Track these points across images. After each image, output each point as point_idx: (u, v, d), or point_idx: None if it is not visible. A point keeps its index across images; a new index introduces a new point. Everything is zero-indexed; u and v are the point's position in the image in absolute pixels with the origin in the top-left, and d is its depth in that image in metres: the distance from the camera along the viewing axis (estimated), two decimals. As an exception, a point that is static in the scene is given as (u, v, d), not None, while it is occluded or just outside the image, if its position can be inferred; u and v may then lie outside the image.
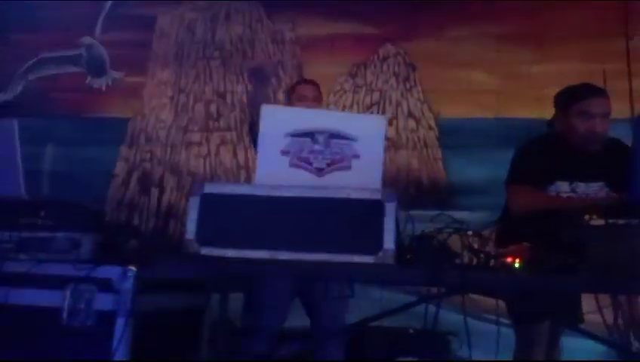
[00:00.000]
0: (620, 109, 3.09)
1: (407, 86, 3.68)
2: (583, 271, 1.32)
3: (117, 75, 3.92)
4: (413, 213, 1.69)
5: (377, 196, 1.43)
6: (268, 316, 2.20)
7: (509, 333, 2.08)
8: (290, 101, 2.52)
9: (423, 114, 3.63)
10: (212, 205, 1.50)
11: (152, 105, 3.86)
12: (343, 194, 1.45)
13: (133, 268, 1.56)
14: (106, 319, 1.55)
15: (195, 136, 3.76)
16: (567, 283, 1.32)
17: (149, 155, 3.78)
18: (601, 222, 1.39)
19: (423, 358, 2.57)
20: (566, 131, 2.01)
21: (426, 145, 3.58)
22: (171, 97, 3.86)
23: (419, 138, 3.60)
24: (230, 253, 1.45)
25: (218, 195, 1.51)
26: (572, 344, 2.34)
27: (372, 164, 1.54)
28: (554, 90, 2.14)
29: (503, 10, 3.53)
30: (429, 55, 3.61)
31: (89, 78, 3.94)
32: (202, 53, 3.90)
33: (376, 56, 3.72)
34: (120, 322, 1.53)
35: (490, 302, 1.98)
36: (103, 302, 1.57)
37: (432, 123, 3.59)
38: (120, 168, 3.78)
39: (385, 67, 3.72)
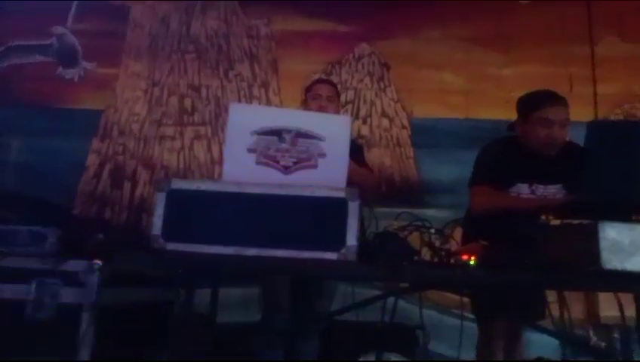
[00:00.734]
0: (584, 113, 3.20)
1: (382, 85, 3.72)
2: (532, 268, 1.37)
3: (89, 65, 3.85)
4: (380, 210, 1.74)
5: (341, 194, 1.47)
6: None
7: (473, 327, 2.15)
8: (305, 99, 2.47)
9: (396, 113, 3.68)
10: (179, 201, 1.51)
11: (126, 98, 3.81)
12: (307, 192, 1.47)
13: (98, 262, 1.57)
14: (72, 312, 1.55)
15: (169, 130, 3.74)
16: (517, 279, 1.38)
17: (121, 148, 3.74)
18: (556, 221, 1.45)
19: (390, 351, 2.63)
20: (526, 136, 2.07)
21: (399, 143, 3.64)
22: (145, 90, 3.82)
23: (392, 136, 3.66)
24: (196, 248, 1.47)
25: (185, 191, 1.52)
26: (537, 338, 2.41)
27: (338, 162, 1.56)
28: (521, 93, 2.20)
29: (473, 12, 3.61)
30: (403, 55, 3.67)
31: (60, 69, 3.86)
32: (177, 46, 3.87)
33: (351, 55, 3.76)
34: (85, 316, 1.54)
35: (456, 297, 2.06)
36: (69, 295, 1.58)
37: (405, 122, 3.65)
38: (92, 161, 3.73)
39: (360, 66, 3.76)
